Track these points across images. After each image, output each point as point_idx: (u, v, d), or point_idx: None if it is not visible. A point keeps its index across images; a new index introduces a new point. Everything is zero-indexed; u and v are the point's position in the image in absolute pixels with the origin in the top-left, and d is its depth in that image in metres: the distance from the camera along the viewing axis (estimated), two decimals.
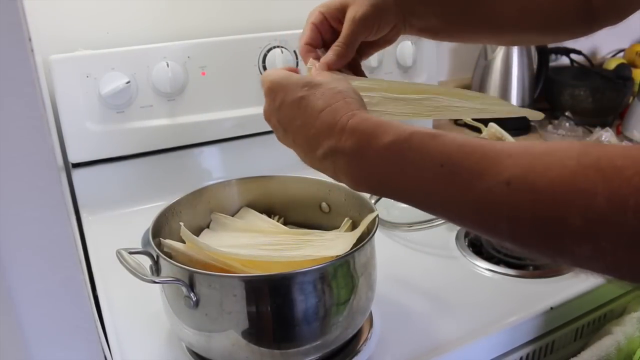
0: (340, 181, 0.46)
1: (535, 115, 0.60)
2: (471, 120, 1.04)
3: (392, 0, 0.56)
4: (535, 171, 0.35)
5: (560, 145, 0.36)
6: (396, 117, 0.55)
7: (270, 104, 0.51)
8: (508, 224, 0.36)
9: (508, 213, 0.36)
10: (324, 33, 0.59)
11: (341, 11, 0.57)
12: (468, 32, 0.63)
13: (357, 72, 0.60)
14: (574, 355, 0.69)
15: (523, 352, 0.69)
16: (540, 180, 0.34)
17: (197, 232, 0.67)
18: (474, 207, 0.38)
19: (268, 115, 0.52)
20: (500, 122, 0.96)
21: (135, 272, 0.53)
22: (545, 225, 0.34)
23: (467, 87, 1.28)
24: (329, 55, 0.56)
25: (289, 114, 0.48)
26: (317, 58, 0.57)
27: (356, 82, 0.54)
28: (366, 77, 0.60)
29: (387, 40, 0.60)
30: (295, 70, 0.54)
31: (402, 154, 0.41)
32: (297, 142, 0.48)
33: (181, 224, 0.58)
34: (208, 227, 0.68)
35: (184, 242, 0.63)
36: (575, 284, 0.72)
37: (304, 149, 0.48)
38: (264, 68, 0.97)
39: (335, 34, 0.58)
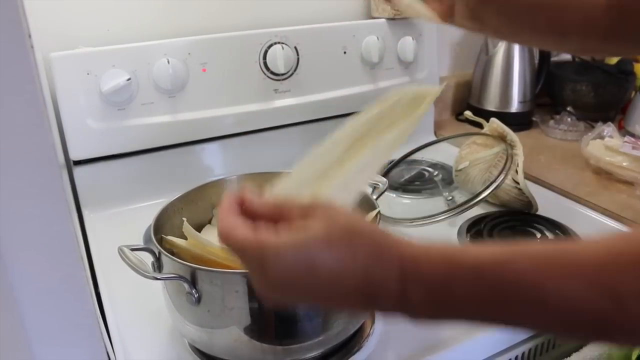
0: (411, 323, 0.41)
1: (431, 92, 0.56)
2: (472, 115, 1.04)
3: None
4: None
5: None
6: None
7: (275, 283, 0.40)
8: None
9: None
10: None
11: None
12: (525, 33, 0.63)
13: None
14: (575, 351, 0.69)
15: (525, 348, 0.68)
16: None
17: (199, 228, 0.67)
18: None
19: (271, 292, 0.42)
20: (502, 117, 0.96)
21: (137, 268, 0.53)
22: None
23: (468, 83, 1.28)
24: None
25: (318, 290, 0.40)
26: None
27: (275, 188, 0.50)
28: None
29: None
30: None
31: (491, 286, 0.37)
32: (330, 304, 0.43)
33: (184, 219, 0.58)
34: (210, 222, 0.68)
35: (185, 238, 0.63)
36: None
37: (343, 308, 0.44)
38: (265, 64, 0.97)
39: None
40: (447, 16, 0.64)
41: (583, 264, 0.36)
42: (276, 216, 0.42)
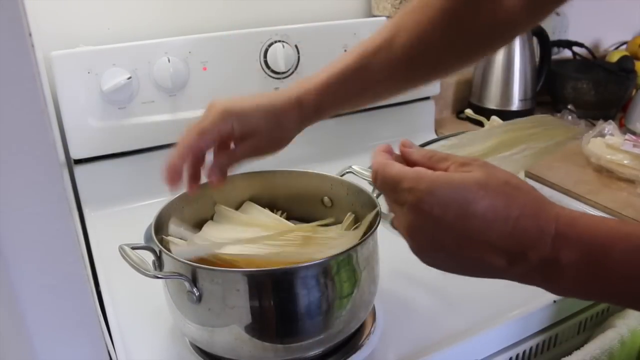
0: (547, 289, 0.40)
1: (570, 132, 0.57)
2: (473, 114, 1.04)
3: (293, 122, 0.58)
4: None
5: None
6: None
7: (431, 218, 0.39)
8: None
9: None
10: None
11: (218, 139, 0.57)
12: (368, 102, 0.65)
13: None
14: (577, 348, 0.69)
15: (526, 346, 0.68)
16: None
17: (201, 224, 0.67)
18: None
19: (419, 231, 0.41)
20: (502, 115, 0.96)
21: (138, 267, 0.53)
22: None
23: (469, 81, 1.28)
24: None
25: (468, 229, 0.39)
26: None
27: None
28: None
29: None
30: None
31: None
32: (477, 255, 0.40)
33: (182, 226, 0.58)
34: (211, 219, 0.68)
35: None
36: None
37: (487, 264, 0.40)
38: (266, 63, 0.97)
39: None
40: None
41: None
42: (432, 166, 0.42)
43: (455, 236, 0.39)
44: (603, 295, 0.39)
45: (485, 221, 0.38)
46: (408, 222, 0.41)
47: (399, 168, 0.41)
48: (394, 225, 0.44)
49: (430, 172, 0.40)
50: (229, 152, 0.59)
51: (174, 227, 0.62)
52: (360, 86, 0.59)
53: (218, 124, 0.55)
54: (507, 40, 0.61)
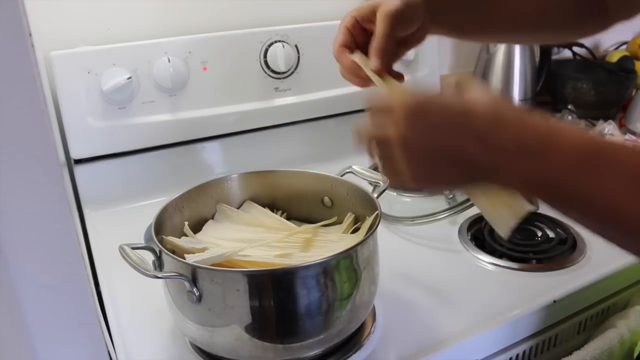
0: (512, 189, 0.44)
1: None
2: None
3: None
4: None
5: None
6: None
7: (423, 125, 0.44)
8: None
9: None
10: (357, 36, 0.60)
11: (372, 13, 0.58)
12: (491, 30, 0.65)
13: (390, 73, 0.60)
14: (577, 348, 0.69)
15: (526, 346, 0.69)
16: None
17: (201, 223, 0.67)
18: None
19: (412, 141, 0.45)
20: None
21: (138, 267, 0.53)
22: None
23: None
24: (372, 51, 0.57)
25: (456, 131, 0.43)
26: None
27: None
28: (402, 77, 0.60)
29: (416, 39, 0.60)
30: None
31: (595, 160, 0.39)
32: (462, 154, 0.43)
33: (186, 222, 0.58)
34: (212, 218, 0.69)
35: (186, 236, 0.63)
36: (578, 277, 0.72)
37: (470, 161, 0.43)
38: (265, 63, 0.97)
39: (368, 36, 0.59)
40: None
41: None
42: None
43: (445, 137, 0.43)
44: (549, 193, 0.42)
45: (470, 122, 0.43)
46: (403, 137, 0.44)
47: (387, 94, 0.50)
48: (385, 168, 0.48)
49: (410, 91, 0.46)
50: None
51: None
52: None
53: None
54: (593, 29, 0.65)
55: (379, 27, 0.57)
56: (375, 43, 0.57)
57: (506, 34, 0.69)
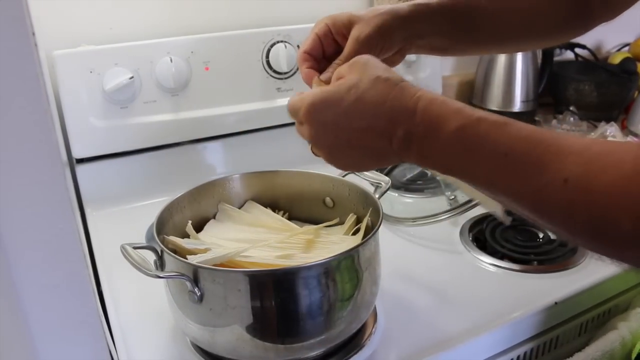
0: (412, 163, 0.47)
1: None
2: None
3: (397, 23, 0.56)
4: (592, 172, 0.36)
5: (620, 147, 0.37)
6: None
7: (319, 125, 0.48)
8: (562, 218, 0.39)
9: (563, 209, 0.38)
10: (326, 46, 0.59)
11: (347, 27, 0.57)
12: (474, 47, 0.64)
13: None
14: (579, 350, 0.69)
15: (527, 347, 0.68)
16: (596, 182, 0.36)
17: (203, 223, 0.67)
18: (532, 199, 0.40)
19: (318, 139, 0.49)
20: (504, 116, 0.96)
21: (139, 267, 0.53)
22: (597, 226, 0.37)
23: (471, 82, 1.28)
24: (328, 73, 0.55)
25: (349, 122, 0.46)
26: (312, 67, 0.57)
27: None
28: None
29: (391, 62, 0.59)
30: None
31: (469, 140, 0.42)
32: (366, 143, 0.47)
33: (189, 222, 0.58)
34: (214, 218, 0.69)
35: (187, 237, 0.63)
36: (579, 279, 0.72)
37: (375, 148, 0.47)
38: (268, 63, 0.97)
39: (339, 48, 0.57)
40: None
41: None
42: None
43: (343, 130, 0.47)
44: (441, 168, 0.45)
45: (360, 111, 0.45)
46: (311, 137, 0.49)
47: (293, 98, 0.50)
48: (312, 150, 0.52)
49: (309, 92, 0.48)
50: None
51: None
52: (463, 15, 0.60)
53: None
54: (578, 31, 0.64)
55: (346, 49, 0.55)
56: (336, 65, 0.55)
57: (490, 48, 0.70)
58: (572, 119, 1.20)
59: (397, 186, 0.95)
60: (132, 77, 0.86)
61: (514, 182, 0.40)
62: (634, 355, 0.70)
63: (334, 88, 0.47)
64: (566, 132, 1.16)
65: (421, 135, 0.44)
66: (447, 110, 0.44)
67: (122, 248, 0.55)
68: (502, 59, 1.21)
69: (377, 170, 0.68)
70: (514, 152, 0.40)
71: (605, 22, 0.63)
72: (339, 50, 0.57)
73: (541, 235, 0.82)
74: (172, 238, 0.60)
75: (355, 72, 0.47)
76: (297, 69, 1.00)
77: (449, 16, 0.58)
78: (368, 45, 0.55)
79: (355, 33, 0.55)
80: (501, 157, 0.40)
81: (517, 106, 1.22)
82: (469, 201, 0.82)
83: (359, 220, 0.65)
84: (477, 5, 0.59)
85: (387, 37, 0.56)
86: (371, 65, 0.48)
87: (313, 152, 0.52)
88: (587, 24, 0.63)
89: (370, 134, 0.46)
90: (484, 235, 0.82)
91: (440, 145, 0.43)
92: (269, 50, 0.96)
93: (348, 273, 0.55)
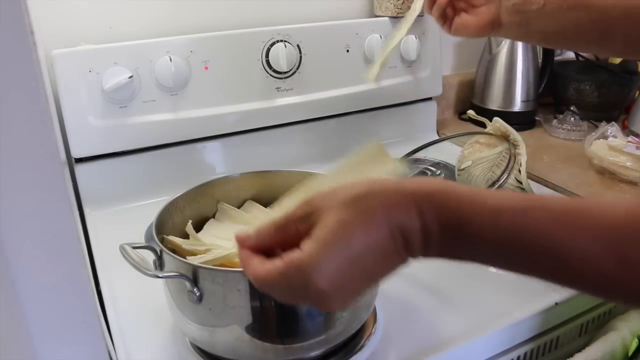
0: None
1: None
2: (475, 115, 1.04)
3: None
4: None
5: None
6: None
7: (319, 292, 0.39)
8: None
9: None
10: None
11: None
12: (580, 35, 0.65)
13: None
14: (579, 350, 0.69)
15: (527, 348, 0.68)
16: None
17: (202, 222, 0.67)
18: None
19: (326, 304, 0.41)
20: (505, 117, 0.95)
21: (138, 266, 0.53)
22: None
23: (471, 82, 1.28)
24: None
25: (356, 266, 0.40)
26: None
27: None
28: None
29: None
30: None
31: (495, 236, 0.39)
32: (377, 277, 0.42)
33: (189, 222, 0.58)
34: (214, 217, 0.68)
35: (187, 236, 0.63)
36: None
37: (384, 270, 0.42)
38: (267, 62, 0.97)
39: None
40: (489, 28, 0.65)
41: (599, 222, 0.37)
42: (285, 237, 0.42)
43: (360, 277, 0.40)
44: (475, 262, 0.41)
45: (370, 246, 0.39)
46: (320, 301, 0.40)
47: (276, 271, 0.40)
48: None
49: (299, 254, 0.39)
50: None
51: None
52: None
53: None
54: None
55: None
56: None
57: (591, 42, 0.68)
58: (572, 119, 1.20)
59: None
60: (131, 77, 0.86)
61: (559, 272, 0.39)
62: (630, 352, 0.70)
63: (321, 240, 0.39)
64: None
65: (438, 243, 0.40)
66: (459, 218, 0.39)
67: (121, 248, 0.55)
68: (502, 58, 1.20)
69: None
70: (550, 241, 0.38)
71: None
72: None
73: None
74: (172, 238, 0.60)
75: (323, 209, 0.41)
76: (297, 68, 1.00)
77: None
78: None
79: None
80: (531, 247, 0.38)
81: (518, 106, 1.22)
82: None
83: None
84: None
85: None
86: (330, 195, 0.41)
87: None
88: None
89: (387, 264, 0.41)
90: None
91: (460, 250, 0.40)
92: (268, 50, 0.96)
93: None
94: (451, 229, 0.39)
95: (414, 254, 0.41)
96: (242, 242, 0.44)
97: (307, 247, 0.39)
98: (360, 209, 0.39)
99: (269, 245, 0.43)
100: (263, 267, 0.41)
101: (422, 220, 0.39)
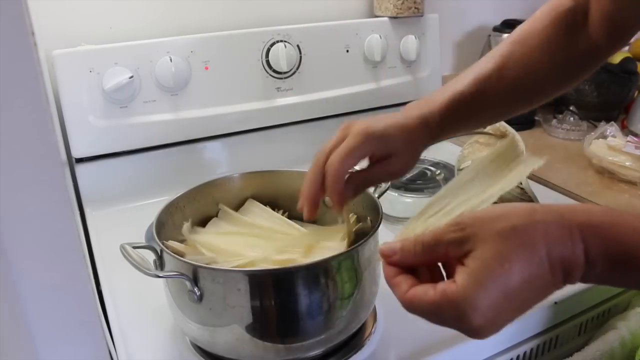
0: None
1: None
2: None
3: (428, 141, 0.58)
4: None
5: None
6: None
7: (481, 325, 0.38)
8: None
9: None
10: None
11: (382, 145, 0.56)
12: (487, 123, 0.72)
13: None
14: (578, 350, 0.69)
15: (527, 347, 0.68)
16: None
17: (203, 222, 0.67)
18: None
19: (482, 333, 0.40)
20: None
21: (139, 266, 0.53)
22: None
23: None
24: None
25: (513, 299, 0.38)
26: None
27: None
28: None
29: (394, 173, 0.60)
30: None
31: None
32: (532, 306, 0.40)
33: (189, 220, 0.58)
34: (216, 216, 0.69)
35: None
36: None
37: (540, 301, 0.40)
38: (267, 63, 0.97)
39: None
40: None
41: None
42: (433, 257, 0.41)
43: (515, 311, 0.39)
44: (631, 285, 0.42)
45: (527, 282, 0.38)
46: (473, 333, 0.39)
47: (428, 301, 0.39)
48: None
49: (456, 289, 0.38)
50: (363, 174, 0.57)
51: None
52: (478, 109, 0.61)
53: (363, 146, 0.54)
54: (595, 65, 0.65)
55: (376, 178, 0.57)
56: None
57: (501, 119, 0.72)
58: (572, 118, 1.20)
59: (397, 186, 0.95)
60: (131, 77, 0.86)
61: None
62: (638, 357, 0.70)
63: (479, 270, 0.38)
64: None
65: (602, 274, 0.39)
66: (627, 233, 0.38)
67: (122, 248, 0.55)
68: None
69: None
70: None
71: (616, 52, 0.64)
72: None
73: None
74: (171, 243, 0.60)
75: (478, 234, 0.39)
76: (297, 68, 1.00)
77: (466, 110, 0.59)
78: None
79: (392, 169, 0.57)
80: None
81: None
82: None
83: (359, 220, 0.65)
84: (487, 88, 0.60)
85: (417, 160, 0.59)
86: (487, 223, 0.40)
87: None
88: (599, 59, 0.64)
89: (542, 296, 0.39)
90: None
91: (631, 275, 0.39)
92: (268, 50, 0.96)
93: (348, 273, 0.54)
94: (617, 260, 0.38)
95: (571, 283, 0.40)
96: (386, 257, 0.43)
97: (463, 281, 0.38)
98: (520, 242, 0.38)
99: (414, 263, 0.42)
100: (414, 291, 0.40)
101: (586, 255, 0.38)
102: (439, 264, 0.41)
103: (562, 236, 0.38)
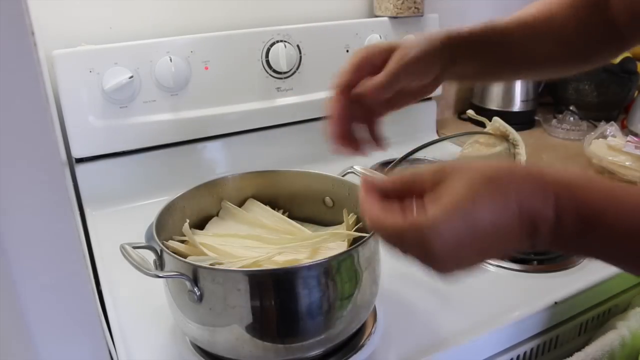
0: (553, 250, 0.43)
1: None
2: (475, 115, 1.04)
3: (439, 48, 0.56)
4: None
5: None
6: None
7: (441, 256, 0.39)
8: None
9: None
10: (365, 74, 0.56)
11: (387, 52, 0.55)
12: (505, 73, 0.65)
13: (373, 130, 0.59)
14: (578, 350, 0.69)
15: (527, 347, 0.68)
16: None
17: (203, 222, 0.67)
18: None
19: (440, 268, 0.40)
20: (505, 117, 0.96)
21: (139, 266, 0.53)
22: None
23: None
24: (368, 83, 0.53)
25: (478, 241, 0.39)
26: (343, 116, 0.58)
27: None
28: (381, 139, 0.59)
29: (425, 91, 0.59)
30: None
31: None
32: (495, 254, 0.41)
33: (187, 220, 0.58)
34: (217, 215, 0.69)
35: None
36: (579, 279, 0.72)
37: (504, 252, 0.41)
38: (267, 63, 0.97)
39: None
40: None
41: None
42: (409, 191, 0.42)
43: (476, 251, 0.39)
44: (605, 256, 0.41)
45: (495, 224, 0.38)
46: (431, 263, 0.40)
47: (394, 223, 0.39)
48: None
49: (424, 217, 0.38)
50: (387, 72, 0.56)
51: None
52: (503, 46, 0.60)
53: (398, 80, 0.55)
54: (614, 54, 0.64)
55: (388, 67, 0.54)
56: (377, 78, 0.53)
57: (520, 75, 0.68)
58: (571, 118, 1.20)
59: None
60: (131, 77, 0.86)
61: None
62: None
63: (452, 204, 0.38)
64: None
65: (569, 235, 0.39)
66: (598, 195, 0.39)
67: (122, 248, 0.55)
68: None
69: (375, 170, 0.68)
70: None
71: (638, 44, 0.62)
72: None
73: None
74: (171, 243, 0.60)
75: (457, 175, 0.40)
76: (297, 68, 1.00)
77: (480, 42, 0.58)
78: (411, 68, 0.54)
79: (399, 54, 0.54)
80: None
81: (517, 106, 1.22)
82: None
83: (359, 220, 0.65)
84: (507, 33, 0.59)
85: (429, 62, 0.55)
86: (467, 166, 0.41)
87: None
88: (620, 48, 0.63)
89: (508, 245, 0.40)
90: None
91: (602, 240, 0.39)
92: (268, 50, 0.96)
93: (348, 273, 0.54)
94: (585, 222, 0.38)
95: (536, 243, 0.40)
96: (367, 182, 0.44)
97: (432, 210, 0.38)
98: (496, 186, 0.39)
99: (390, 193, 0.43)
100: (384, 212, 0.40)
101: (557, 212, 0.38)
102: (413, 204, 0.41)
103: (536, 190, 0.39)
